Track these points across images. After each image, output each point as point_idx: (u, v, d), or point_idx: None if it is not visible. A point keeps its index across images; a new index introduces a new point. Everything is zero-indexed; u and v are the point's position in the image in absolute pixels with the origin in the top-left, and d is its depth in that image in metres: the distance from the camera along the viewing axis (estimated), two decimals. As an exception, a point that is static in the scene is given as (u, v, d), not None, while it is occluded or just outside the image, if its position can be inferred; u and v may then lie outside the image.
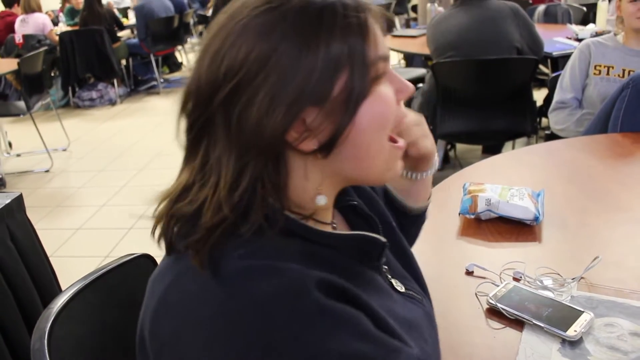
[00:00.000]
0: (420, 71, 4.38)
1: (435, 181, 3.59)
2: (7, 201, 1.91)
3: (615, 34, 2.41)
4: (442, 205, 1.46)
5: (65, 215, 3.84)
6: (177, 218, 0.66)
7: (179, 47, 8.02)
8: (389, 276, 0.81)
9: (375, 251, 0.75)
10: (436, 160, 0.97)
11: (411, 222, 1.05)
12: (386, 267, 0.82)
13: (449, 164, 4.04)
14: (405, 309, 0.76)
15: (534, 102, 3.02)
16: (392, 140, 0.72)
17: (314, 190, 0.69)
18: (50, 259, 2.12)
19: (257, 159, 0.63)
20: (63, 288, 2.08)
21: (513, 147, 3.74)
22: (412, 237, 1.08)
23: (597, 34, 3.60)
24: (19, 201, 1.97)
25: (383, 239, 0.75)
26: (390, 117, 0.69)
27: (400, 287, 0.81)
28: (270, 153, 0.64)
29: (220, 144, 0.65)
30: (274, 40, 0.62)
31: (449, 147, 4.01)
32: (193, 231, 0.63)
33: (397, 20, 8.16)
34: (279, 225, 0.64)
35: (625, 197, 1.49)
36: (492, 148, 3.65)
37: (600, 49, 2.34)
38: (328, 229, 0.74)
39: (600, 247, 1.25)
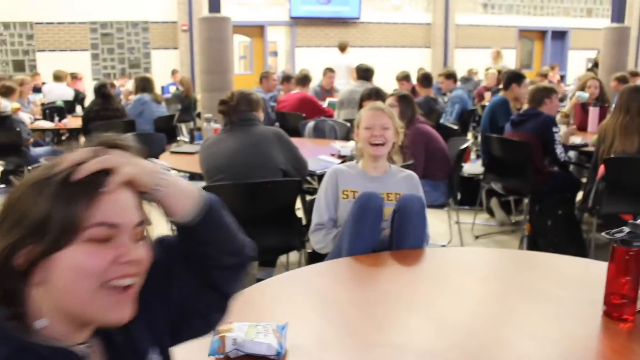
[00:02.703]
0: (201, 184, 4.50)
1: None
2: None
3: (357, 161, 2.74)
4: (193, 345, 1.53)
5: None
6: None
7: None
8: None
9: None
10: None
11: (193, 240, 1.10)
12: None
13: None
14: None
15: (300, 219, 3.27)
16: (110, 282, 0.89)
17: (37, 314, 0.88)
18: None
19: None
20: None
21: (287, 259, 3.95)
22: (214, 259, 1.12)
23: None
24: None
25: (82, 353, 0.90)
26: (90, 269, 0.87)
27: None
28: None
29: None
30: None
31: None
32: None
33: (184, 128, 8.37)
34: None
35: (360, 322, 1.68)
36: (268, 262, 3.81)
37: (345, 176, 2.63)
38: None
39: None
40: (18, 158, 6.19)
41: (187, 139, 7.49)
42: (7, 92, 6.67)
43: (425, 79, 6.96)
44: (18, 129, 5.93)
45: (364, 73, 6.61)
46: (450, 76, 7.83)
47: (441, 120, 6.20)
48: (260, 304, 1.83)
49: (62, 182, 0.88)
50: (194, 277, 1.11)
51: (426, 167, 4.05)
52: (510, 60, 14.77)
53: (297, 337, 1.56)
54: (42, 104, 8.02)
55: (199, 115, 7.91)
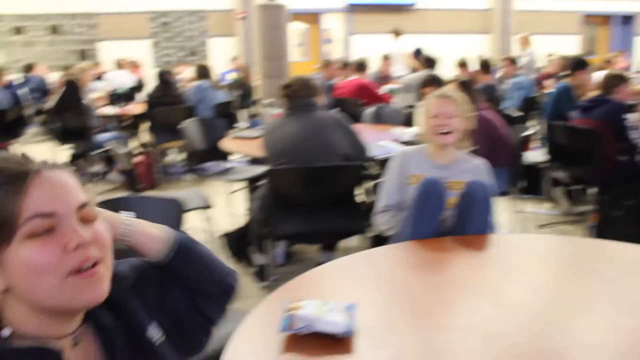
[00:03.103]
0: (262, 169, 4.55)
1: (279, 277, 3.66)
2: None
3: (423, 146, 2.71)
4: (266, 321, 1.56)
5: None
6: None
7: (14, 141, 7.66)
8: None
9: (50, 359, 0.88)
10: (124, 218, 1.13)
11: (173, 275, 1.17)
12: None
13: (292, 259, 4.19)
14: None
15: (362, 204, 3.28)
16: (75, 272, 0.88)
17: (10, 320, 0.88)
18: None
19: None
20: None
21: (349, 245, 3.97)
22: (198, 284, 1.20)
23: (417, 136, 4.00)
24: None
25: (57, 349, 0.89)
26: (44, 266, 0.85)
27: None
28: None
29: None
30: None
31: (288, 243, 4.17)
32: None
33: (244, 113, 8.46)
34: None
35: (427, 305, 1.68)
36: (329, 246, 3.85)
37: (412, 160, 2.62)
38: (64, 343, 0.91)
39: (404, 356, 1.41)
40: (84, 143, 6.41)
41: (246, 125, 7.58)
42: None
43: (485, 66, 6.85)
44: (86, 116, 6.15)
45: (428, 61, 6.57)
46: (513, 62, 7.66)
47: (502, 107, 6.08)
48: (328, 284, 1.84)
49: None
50: (183, 298, 1.17)
51: (488, 154, 3.98)
52: (573, 47, 14.35)
53: (365, 317, 1.56)
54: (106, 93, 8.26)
55: (256, 102, 8.00)
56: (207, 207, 3.90)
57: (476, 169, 2.59)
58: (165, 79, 6.66)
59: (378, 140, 4.01)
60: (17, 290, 0.86)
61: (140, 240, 1.12)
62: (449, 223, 2.41)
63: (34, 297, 0.86)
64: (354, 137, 3.34)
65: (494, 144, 4.06)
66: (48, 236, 0.86)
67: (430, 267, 2.03)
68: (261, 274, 3.73)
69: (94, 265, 0.90)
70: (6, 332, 0.87)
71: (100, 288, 0.91)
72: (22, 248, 0.84)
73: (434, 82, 4.58)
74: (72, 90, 6.38)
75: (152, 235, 1.14)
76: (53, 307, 0.89)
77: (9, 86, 8.24)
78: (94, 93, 7.72)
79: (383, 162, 4.01)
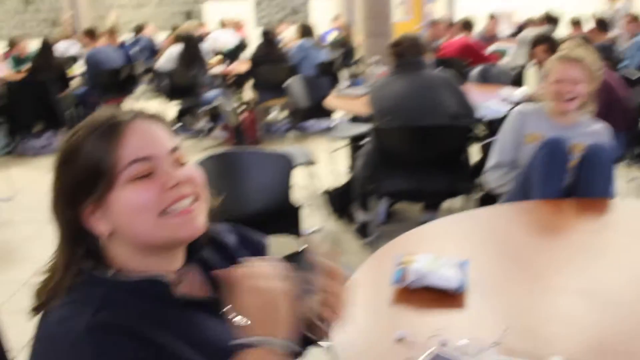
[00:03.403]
0: (365, 127, 4.56)
1: (380, 235, 3.69)
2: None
3: (543, 105, 2.59)
4: (377, 275, 1.59)
5: (11, 269, 3.79)
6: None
7: (127, 97, 8.06)
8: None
9: (161, 289, 0.94)
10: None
11: None
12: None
13: (393, 218, 4.19)
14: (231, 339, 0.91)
15: (469, 164, 3.22)
16: (167, 209, 0.93)
17: (117, 261, 0.95)
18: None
19: (72, 240, 0.93)
20: (11, 343, 2.09)
21: (452, 205, 3.93)
22: None
23: (528, 98, 3.86)
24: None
25: (164, 279, 0.95)
26: (144, 206, 0.92)
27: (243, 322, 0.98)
28: (78, 236, 0.93)
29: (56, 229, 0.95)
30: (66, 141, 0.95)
31: (392, 201, 4.17)
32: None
33: (344, 73, 8.45)
34: (87, 280, 0.92)
35: (542, 265, 1.64)
36: (432, 205, 3.82)
37: (531, 119, 2.51)
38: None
39: (518, 314, 1.39)
40: (192, 99, 6.64)
41: (347, 85, 7.57)
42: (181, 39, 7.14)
43: (602, 24, 6.45)
44: (202, 72, 6.38)
45: (548, 19, 6.27)
46: (635, 20, 7.17)
47: (621, 68, 5.72)
48: (437, 241, 1.84)
49: (91, 131, 0.93)
50: None
51: (605, 117, 3.78)
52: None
53: (477, 275, 1.55)
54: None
55: (358, 61, 7.96)
56: (311, 163, 3.96)
57: (597, 133, 2.46)
58: (269, 38, 6.75)
59: (485, 101, 3.90)
60: (120, 232, 0.93)
61: None
62: (568, 185, 2.32)
63: (135, 235, 0.93)
64: (462, 96, 3.26)
65: (611, 106, 3.83)
66: (147, 179, 0.93)
67: (545, 229, 1.97)
68: (363, 231, 3.76)
69: (191, 203, 0.96)
70: (110, 272, 0.94)
71: (196, 224, 0.97)
72: (124, 191, 0.91)
73: (547, 40, 4.36)
74: (192, 46, 6.60)
75: None
76: (153, 244, 0.95)
77: (122, 46, 8.63)
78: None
79: (490, 123, 3.91)
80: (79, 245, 0.94)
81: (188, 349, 0.90)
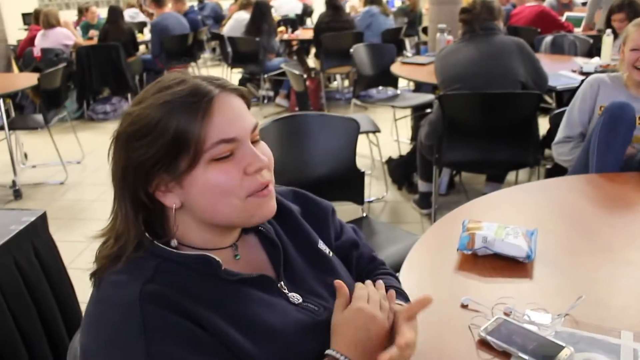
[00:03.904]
0: (428, 97, 4.49)
1: (440, 206, 3.68)
2: (32, 219, 2.02)
3: (620, 74, 2.47)
4: (442, 240, 1.56)
5: (80, 228, 3.95)
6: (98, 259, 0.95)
7: (192, 64, 8.18)
8: (285, 290, 1.02)
9: (212, 266, 0.94)
10: None
11: None
12: (282, 282, 1.02)
13: (454, 189, 4.14)
14: (283, 318, 0.93)
15: (537, 135, 3.12)
16: (252, 194, 0.93)
17: (177, 232, 0.95)
18: (67, 271, 2.22)
19: (136, 210, 0.92)
20: (80, 300, 2.19)
21: (516, 177, 3.84)
22: None
23: (602, 68, 3.70)
24: (43, 219, 2.08)
25: (217, 259, 0.94)
26: (230, 188, 0.91)
27: (296, 300, 1.01)
28: (142, 206, 0.92)
29: (117, 197, 0.93)
30: (138, 110, 0.90)
31: (454, 172, 4.11)
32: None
33: (408, 42, 8.32)
34: (145, 250, 0.92)
35: (612, 238, 1.58)
36: (496, 177, 3.75)
37: (605, 89, 2.40)
38: (223, 254, 0.98)
39: (587, 286, 1.35)
40: (255, 66, 6.67)
41: (413, 53, 7.45)
42: (247, 5, 7.16)
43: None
44: (270, 39, 6.41)
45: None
46: None
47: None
48: (506, 209, 1.80)
49: (176, 103, 0.88)
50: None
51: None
52: None
53: (545, 245, 1.51)
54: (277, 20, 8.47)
55: (424, 30, 7.79)
56: (375, 131, 3.93)
57: None
58: (334, 5, 6.68)
59: (557, 70, 3.77)
60: (192, 208, 0.93)
61: None
62: (637, 158, 2.22)
63: (213, 214, 0.93)
64: (535, 64, 3.16)
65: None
66: (229, 160, 0.91)
67: (616, 202, 1.89)
68: (423, 202, 3.73)
69: (266, 187, 0.95)
70: (174, 242, 0.95)
71: (272, 205, 0.97)
72: (208, 170, 0.89)
73: (626, 7, 4.15)
74: (262, 12, 6.63)
75: None
76: (227, 224, 0.96)
77: (188, 13, 8.73)
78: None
79: (561, 94, 3.78)
80: (141, 215, 0.94)
81: (235, 329, 0.89)
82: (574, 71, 3.79)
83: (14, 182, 4.66)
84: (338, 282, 0.99)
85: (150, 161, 0.88)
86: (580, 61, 4.04)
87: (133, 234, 0.91)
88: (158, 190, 0.92)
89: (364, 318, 0.95)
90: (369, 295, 0.99)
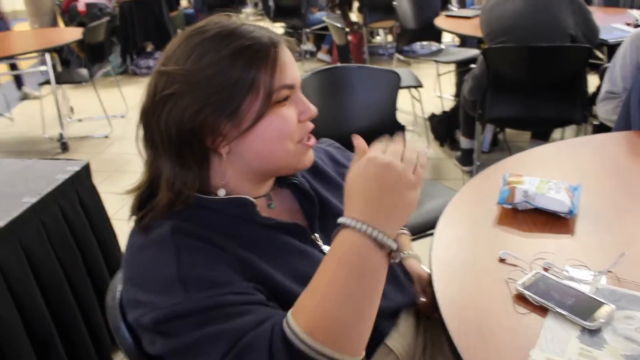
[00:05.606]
0: (473, 52, 4.38)
1: (483, 164, 3.62)
2: (77, 169, 2.07)
3: None
4: (482, 194, 1.54)
5: (124, 180, 4.03)
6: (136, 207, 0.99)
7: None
8: (320, 242, 1.03)
9: (247, 208, 0.94)
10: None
11: None
12: (317, 234, 1.04)
13: (497, 147, 4.06)
14: (316, 267, 0.87)
15: (586, 91, 3.02)
16: (301, 140, 0.96)
17: (219, 179, 0.95)
18: (111, 221, 2.28)
19: (178, 158, 0.91)
20: (122, 249, 2.25)
21: (562, 135, 3.74)
22: None
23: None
24: (87, 169, 2.13)
25: (252, 199, 0.95)
26: (290, 132, 0.93)
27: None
28: (189, 154, 0.91)
29: (157, 148, 0.92)
30: (194, 64, 0.88)
31: (497, 130, 4.03)
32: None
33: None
34: (189, 201, 0.92)
35: (661, 194, 1.53)
36: (541, 134, 3.66)
37: None
38: (258, 202, 0.97)
39: (630, 243, 1.30)
40: (297, 20, 6.60)
41: (457, 6, 7.25)
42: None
43: None
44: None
45: None
46: None
47: None
48: (549, 164, 1.75)
49: (241, 51, 0.88)
50: None
51: None
52: None
53: (589, 200, 1.47)
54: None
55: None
56: (418, 86, 3.87)
57: None
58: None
59: (610, 23, 3.62)
60: (246, 155, 0.93)
61: None
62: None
63: (267, 159, 0.94)
64: (586, 16, 3.03)
65: None
66: (286, 105, 0.93)
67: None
68: (465, 159, 3.67)
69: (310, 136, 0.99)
70: (222, 192, 0.95)
71: (312, 155, 1.01)
72: (272, 116, 0.91)
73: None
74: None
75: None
76: (278, 169, 0.98)
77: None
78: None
79: (613, 47, 3.63)
80: (193, 164, 0.92)
81: (268, 266, 0.90)
82: (628, 24, 3.63)
83: (61, 135, 4.78)
84: (355, 136, 0.88)
85: (219, 114, 0.88)
86: (637, 14, 3.86)
87: (185, 183, 0.91)
88: (215, 141, 0.91)
89: (374, 166, 0.81)
90: (388, 149, 0.86)
